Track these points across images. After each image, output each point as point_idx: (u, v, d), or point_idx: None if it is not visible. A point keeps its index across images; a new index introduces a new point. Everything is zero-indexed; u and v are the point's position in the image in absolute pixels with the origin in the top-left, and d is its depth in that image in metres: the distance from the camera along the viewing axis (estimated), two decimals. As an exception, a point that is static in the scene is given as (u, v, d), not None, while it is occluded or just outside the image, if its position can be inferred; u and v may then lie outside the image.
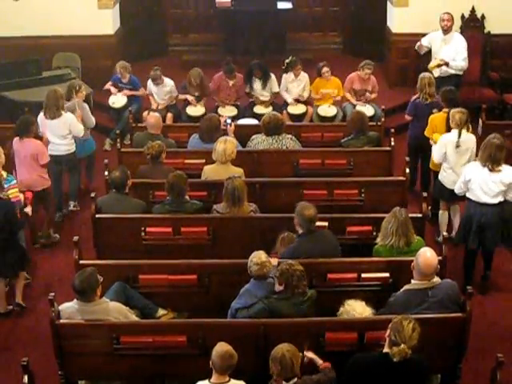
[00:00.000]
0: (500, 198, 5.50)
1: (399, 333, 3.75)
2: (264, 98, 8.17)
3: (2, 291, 5.58)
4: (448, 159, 6.09)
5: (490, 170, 5.44)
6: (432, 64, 7.80)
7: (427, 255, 4.36)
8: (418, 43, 8.18)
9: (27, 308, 5.61)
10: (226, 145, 5.85)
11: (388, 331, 3.84)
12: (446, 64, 7.74)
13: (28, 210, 5.94)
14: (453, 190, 5.93)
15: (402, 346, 3.73)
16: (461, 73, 7.88)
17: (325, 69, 8.02)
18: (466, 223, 5.66)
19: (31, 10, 8.98)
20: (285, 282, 4.36)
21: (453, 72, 7.81)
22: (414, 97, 6.99)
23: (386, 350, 3.85)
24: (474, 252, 5.72)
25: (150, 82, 8.23)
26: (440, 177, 6.22)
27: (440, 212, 6.38)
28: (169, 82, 8.22)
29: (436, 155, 6.17)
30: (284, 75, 8.23)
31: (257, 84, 8.17)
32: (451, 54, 7.81)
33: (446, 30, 7.87)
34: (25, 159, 6.29)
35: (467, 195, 5.63)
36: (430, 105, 6.79)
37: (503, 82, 8.86)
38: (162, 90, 8.20)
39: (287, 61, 8.22)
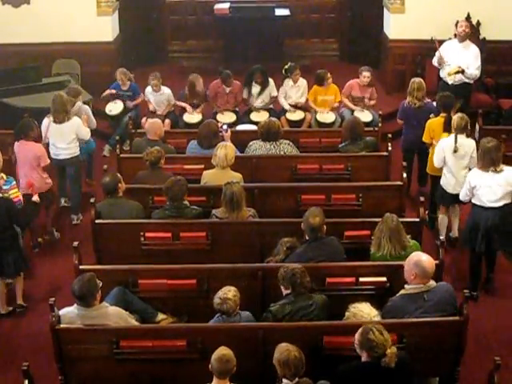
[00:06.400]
0: (505, 201, 5.54)
1: (376, 347, 3.73)
2: (261, 103, 8.22)
3: (2, 292, 5.60)
4: (447, 163, 6.13)
5: (494, 172, 5.49)
6: (451, 70, 7.64)
7: (424, 258, 4.39)
8: (438, 56, 7.72)
9: (27, 312, 5.63)
10: (227, 150, 5.90)
11: (359, 348, 3.79)
12: (463, 71, 7.64)
13: (35, 198, 6.05)
14: (454, 195, 5.99)
15: (388, 350, 3.74)
16: (472, 81, 7.83)
17: (328, 75, 8.02)
18: (471, 228, 5.65)
19: (31, 17, 9.02)
20: (290, 283, 4.37)
21: (466, 80, 7.71)
22: (405, 101, 7.04)
23: (366, 359, 3.80)
24: (480, 256, 5.72)
25: (148, 89, 8.27)
26: (442, 182, 6.25)
27: (440, 216, 6.41)
28: (166, 91, 8.26)
29: (435, 160, 6.23)
30: (285, 81, 8.26)
31: (255, 89, 8.22)
32: (467, 61, 7.68)
33: (463, 37, 7.73)
34: (25, 161, 6.35)
35: (472, 201, 5.66)
36: (420, 109, 6.86)
37: (498, 88, 8.93)
38: (158, 98, 8.25)
39: (286, 67, 8.27)
